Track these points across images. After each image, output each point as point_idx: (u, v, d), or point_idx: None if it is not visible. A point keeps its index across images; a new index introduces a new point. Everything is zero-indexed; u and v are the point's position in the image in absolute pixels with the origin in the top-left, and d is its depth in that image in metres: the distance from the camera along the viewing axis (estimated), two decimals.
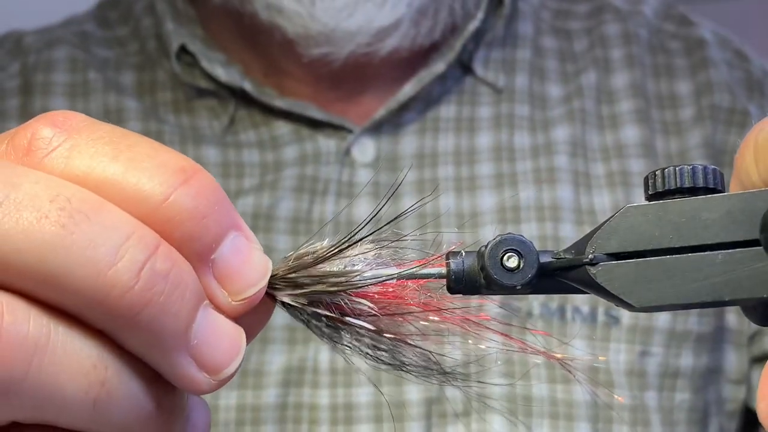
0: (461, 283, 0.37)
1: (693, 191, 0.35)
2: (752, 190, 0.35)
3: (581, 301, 0.79)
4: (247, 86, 0.83)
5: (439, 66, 0.84)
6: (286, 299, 0.37)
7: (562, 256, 0.37)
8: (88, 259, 0.30)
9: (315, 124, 0.84)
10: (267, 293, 0.36)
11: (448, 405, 0.76)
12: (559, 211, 0.82)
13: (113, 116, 0.85)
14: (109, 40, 0.91)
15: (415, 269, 0.37)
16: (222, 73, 0.83)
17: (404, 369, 0.38)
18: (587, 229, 0.81)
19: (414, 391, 0.77)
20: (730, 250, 0.35)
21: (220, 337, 0.34)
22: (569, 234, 0.81)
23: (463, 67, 0.88)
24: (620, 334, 0.79)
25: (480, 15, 0.84)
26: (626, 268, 0.36)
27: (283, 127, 0.84)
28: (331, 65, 0.80)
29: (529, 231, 0.81)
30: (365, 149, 0.84)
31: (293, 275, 0.37)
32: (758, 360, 0.83)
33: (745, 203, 0.35)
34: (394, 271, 0.37)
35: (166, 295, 0.31)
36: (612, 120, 0.87)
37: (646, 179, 0.36)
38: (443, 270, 0.37)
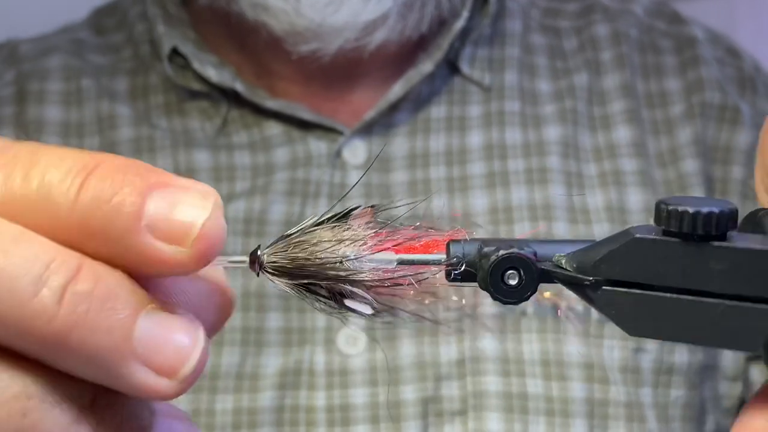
0: (460, 274, 0.37)
1: (705, 238, 0.35)
2: (763, 248, 0.35)
3: (575, 298, 0.79)
4: (239, 87, 0.83)
5: (426, 66, 0.84)
6: (279, 283, 0.36)
7: (563, 266, 0.37)
8: (9, 292, 0.30)
9: (306, 126, 0.84)
10: (257, 269, 0.36)
11: (445, 404, 0.76)
12: (552, 209, 0.82)
13: (105, 123, 0.85)
14: (103, 47, 0.91)
15: (414, 257, 0.37)
16: (214, 74, 0.83)
17: (400, 323, 0.38)
18: (581, 228, 0.82)
19: (410, 391, 0.76)
20: (732, 302, 0.35)
21: (170, 336, 0.32)
22: (563, 233, 0.81)
23: (452, 66, 0.88)
24: (614, 331, 0.79)
25: (465, 13, 0.84)
26: (627, 298, 0.36)
27: (274, 128, 0.84)
28: (320, 61, 0.80)
29: (521, 230, 0.81)
30: (356, 151, 0.84)
31: (285, 263, 0.36)
32: (754, 356, 0.83)
33: (755, 260, 0.35)
34: (392, 256, 0.37)
35: (93, 312, 0.30)
36: (603, 121, 0.87)
37: (659, 207, 0.35)
38: (443, 257, 0.37)
